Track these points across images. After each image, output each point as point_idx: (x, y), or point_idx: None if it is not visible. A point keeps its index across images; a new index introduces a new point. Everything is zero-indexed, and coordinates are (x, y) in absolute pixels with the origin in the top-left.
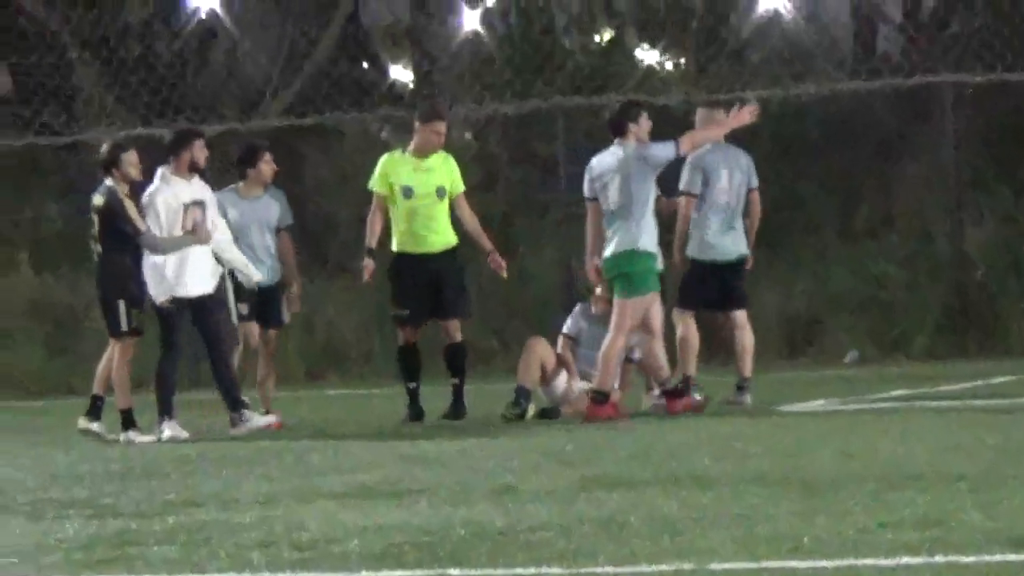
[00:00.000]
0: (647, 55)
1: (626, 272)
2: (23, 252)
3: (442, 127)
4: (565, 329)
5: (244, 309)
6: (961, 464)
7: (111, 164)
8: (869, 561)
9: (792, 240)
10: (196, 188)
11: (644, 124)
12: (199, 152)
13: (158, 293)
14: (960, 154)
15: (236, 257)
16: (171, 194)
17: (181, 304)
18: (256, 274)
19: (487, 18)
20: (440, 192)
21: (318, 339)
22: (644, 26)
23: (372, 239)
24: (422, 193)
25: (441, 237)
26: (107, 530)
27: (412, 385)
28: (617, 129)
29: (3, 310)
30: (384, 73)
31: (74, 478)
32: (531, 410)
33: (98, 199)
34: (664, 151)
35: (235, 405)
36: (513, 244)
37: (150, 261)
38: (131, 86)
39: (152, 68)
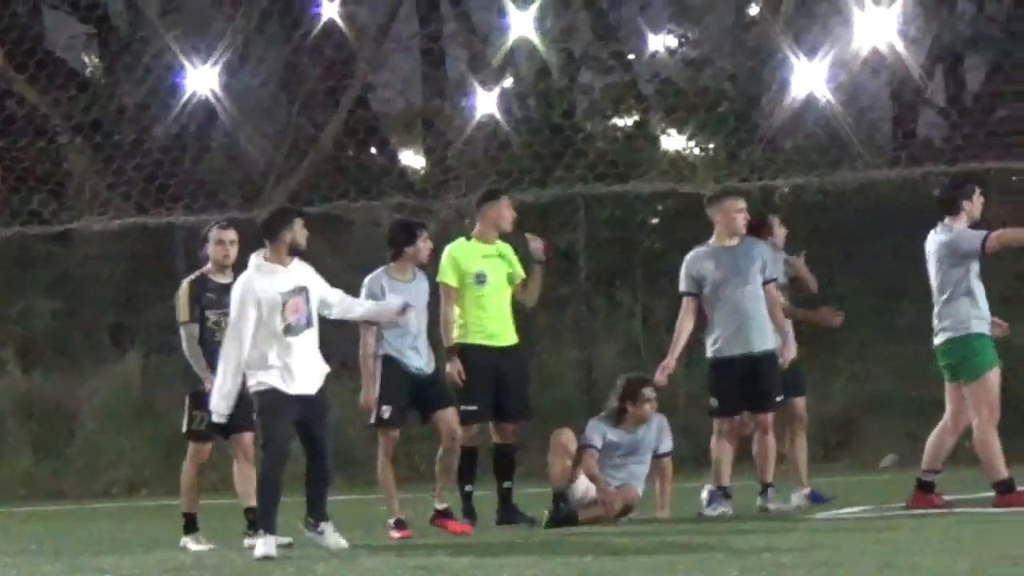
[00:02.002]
0: (673, 141)
1: (964, 358)
2: (10, 349)
3: (508, 202)
4: (589, 442)
5: (386, 413)
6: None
7: (203, 243)
8: None
9: (829, 337)
10: (296, 274)
11: (977, 201)
12: (300, 233)
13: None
14: None
15: (364, 306)
16: (267, 283)
17: (281, 400)
18: (394, 306)
19: (504, 101)
20: (509, 279)
21: None
22: (671, 110)
23: (452, 336)
24: (495, 280)
25: (510, 329)
26: None
27: (469, 488)
28: (949, 207)
29: None
30: (394, 159)
31: None
32: (544, 515)
33: None
34: (971, 244)
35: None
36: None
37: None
38: (125, 172)
39: (148, 153)
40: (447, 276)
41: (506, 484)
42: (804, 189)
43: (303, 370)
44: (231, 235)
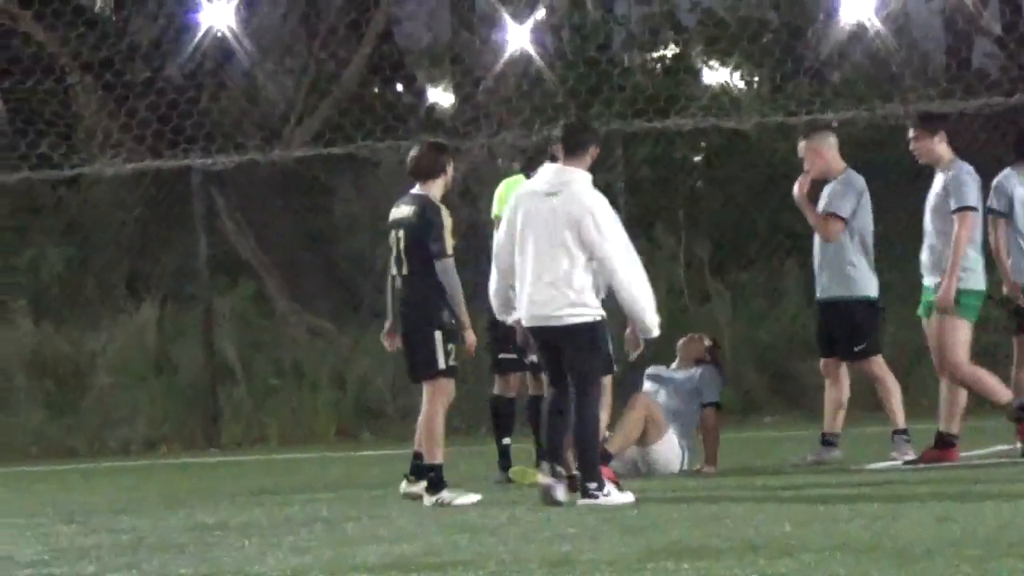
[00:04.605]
0: (716, 74)
1: None
2: (20, 300)
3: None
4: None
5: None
6: None
7: (439, 169)
8: None
9: (881, 279)
10: None
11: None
12: None
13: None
14: None
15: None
16: None
17: None
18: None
19: (537, 34)
20: None
21: (350, 394)
22: (712, 41)
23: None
24: None
25: None
26: None
27: (507, 442)
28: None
29: None
30: (421, 97)
31: (79, 551)
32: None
33: (407, 210)
34: None
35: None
36: None
37: None
38: (138, 113)
39: (161, 93)
40: (502, 211)
41: None
42: (853, 123)
43: None
44: None
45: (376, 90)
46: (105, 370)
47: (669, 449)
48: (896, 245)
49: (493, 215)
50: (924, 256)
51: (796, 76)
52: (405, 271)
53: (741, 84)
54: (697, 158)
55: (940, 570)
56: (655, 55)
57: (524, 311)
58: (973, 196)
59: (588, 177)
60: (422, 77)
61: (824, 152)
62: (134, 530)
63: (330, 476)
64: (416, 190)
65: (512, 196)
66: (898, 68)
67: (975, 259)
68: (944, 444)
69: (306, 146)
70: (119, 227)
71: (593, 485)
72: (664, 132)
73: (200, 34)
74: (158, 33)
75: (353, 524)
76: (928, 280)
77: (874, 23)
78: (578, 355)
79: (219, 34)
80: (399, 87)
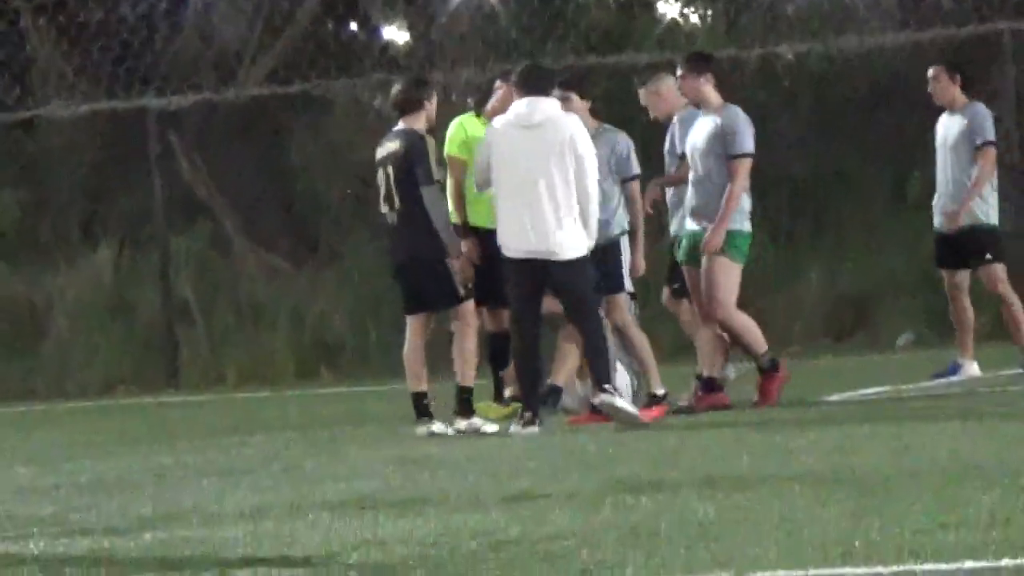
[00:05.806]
0: (669, 7)
1: None
2: None
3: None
4: None
5: None
6: None
7: (417, 103)
8: (928, 566)
9: (838, 213)
10: None
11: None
12: None
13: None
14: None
15: None
16: None
17: None
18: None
19: None
20: None
21: (308, 333)
22: None
23: (461, 213)
24: None
25: None
26: (76, 549)
27: (502, 374)
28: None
29: None
30: (376, 35)
31: (39, 492)
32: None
33: (392, 146)
34: None
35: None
36: None
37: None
38: (93, 55)
39: (116, 34)
40: (459, 148)
41: (501, 373)
42: (808, 57)
43: None
44: None
45: (330, 28)
46: (63, 313)
47: (619, 377)
48: (851, 176)
49: (445, 154)
50: (690, 199)
51: (750, 9)
52: (398, 205)
53: (695, 18)
54: None
55: (899, 499)
56: None
57: (515, 242)
58: (749, 141)
59: (559, 104)
60: (376, 15)
61: (665, 94)
62: (93, 471)
63: (289, 415)
64: (400, 126)
65: (487, 135)
66: (852, 0)
67: (747, 201)
68: (712, 388)
69: (261, 85)
70: (74, 169)
71: (609, 387)
72: (618, 67)
73: None
74: None
75: (312, 462)
76: (695, 224)
77: None
78: (577, 287)
79: None
80: (353, 25)
